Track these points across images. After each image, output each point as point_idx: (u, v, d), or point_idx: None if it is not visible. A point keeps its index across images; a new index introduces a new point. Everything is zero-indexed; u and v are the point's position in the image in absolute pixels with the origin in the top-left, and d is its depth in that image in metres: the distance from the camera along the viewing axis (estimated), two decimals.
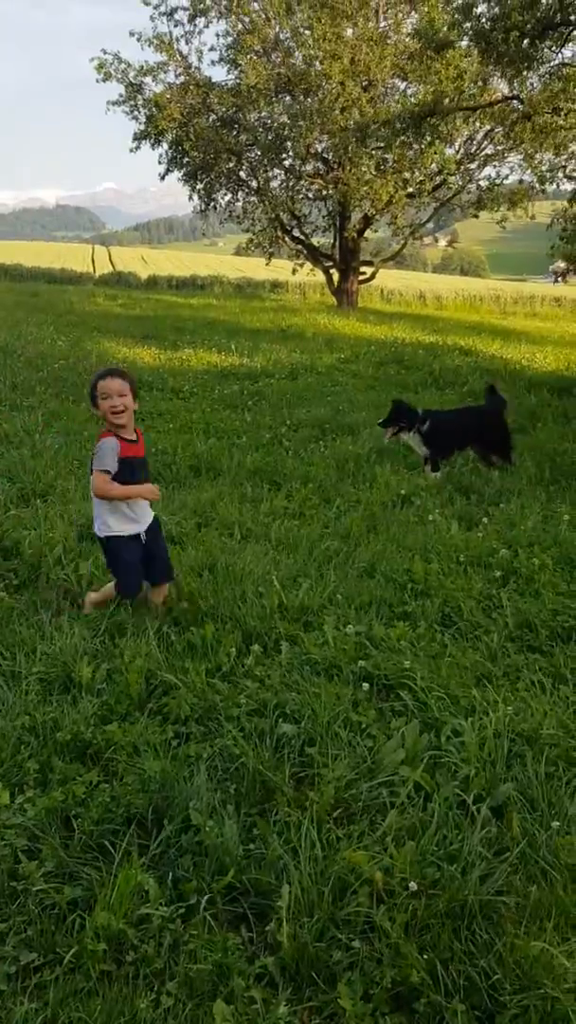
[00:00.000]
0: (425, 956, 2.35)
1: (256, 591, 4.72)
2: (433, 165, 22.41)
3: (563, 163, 13.86)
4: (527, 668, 4.05)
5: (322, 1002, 2.30)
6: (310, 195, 27.57)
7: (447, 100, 15.12)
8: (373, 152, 22.99)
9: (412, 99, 18.14)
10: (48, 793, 3.00)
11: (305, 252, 27.11)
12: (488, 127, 21.66)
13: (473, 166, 25.57)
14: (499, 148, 24.30)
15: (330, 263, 27.11)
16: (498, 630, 4.43)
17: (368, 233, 28.46)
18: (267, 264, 29.25)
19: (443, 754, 3.30)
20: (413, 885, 2.56)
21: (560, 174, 14.01)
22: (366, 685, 3.73)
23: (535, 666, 4.06)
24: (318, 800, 2.96)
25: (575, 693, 3.81)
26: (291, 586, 4.89)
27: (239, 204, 27.78)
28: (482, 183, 25.05)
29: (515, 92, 14.44)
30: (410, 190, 25.07)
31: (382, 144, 18.56)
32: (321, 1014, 2.27)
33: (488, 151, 24.75)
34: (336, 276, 26.95)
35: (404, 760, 3.24)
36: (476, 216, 25.80)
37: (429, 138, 16.30)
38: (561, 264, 17.15)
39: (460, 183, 26.40)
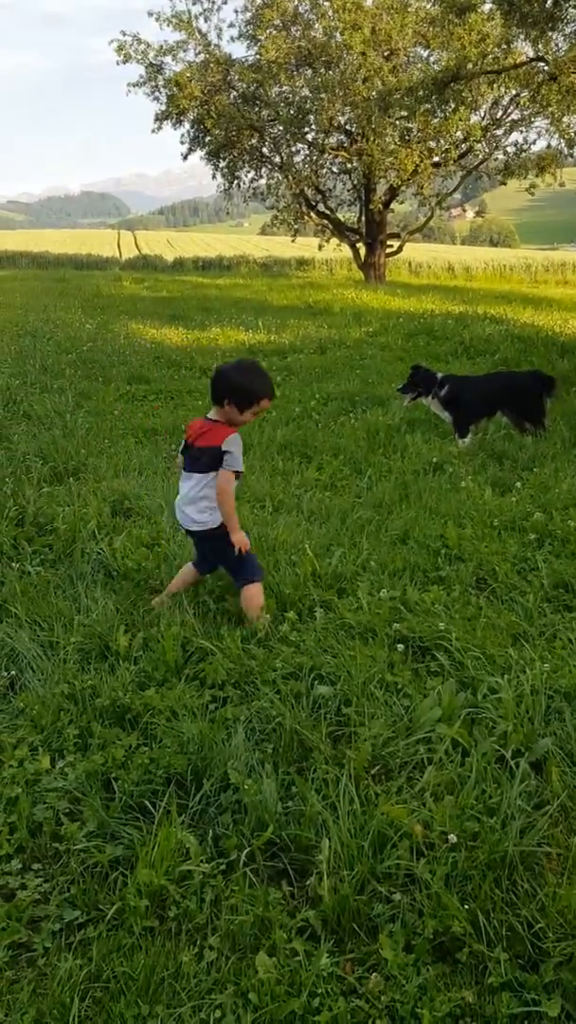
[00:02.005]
0: (466, 906, 2.35)
1: (289, 560, 4.72)
2: (458, 132, 22.09)
3: None
4: (563, 627, 4.01)
5: (364, 953, 2.31)
6: (334, 169, 27.35)
7: (470, 65, 14.86)
8: (397, 122, 22.71)
9: (435, 66, 17.85)
10: (88, 757, 3.04)
11: (331, 227, 26.90)
12: (514, 91, 21.25)
13: (500, 132, 25.17)
14: (525, 113, 23.86)
15: (356, 237, 26.89)
16: (533, 591, 4.39)
17: (394, 205, 28.19)
18: (292, 241, 29.07)
19: (480, 711, 3.28)
20: (453, 837, 2.56)
21: None
22: (401, 647, 3.72)
23: (572, 624, 4.02)
24: (355, 757, 2.96)
25: None
26: (324, 555, 4.89)
27: (263, 181, 27.62)
28: (509, 149, 24.67)
29: (540, 53, 14.14)
30: (436, 159, 24.77)
31: (405, 113, 18.30)
32: (363, 965, 2.28)
33: (515, 116, 24.32)
34: (363, 250, 26.72)
35: (441, 718, 3.23)
36: (504, 183, 25.45)
37: (453, 104, 16.03)
38: None
39: (487, 150, 26.03)
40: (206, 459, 4.01)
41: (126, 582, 4.56)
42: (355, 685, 3.41)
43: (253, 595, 4.07)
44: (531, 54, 14.99)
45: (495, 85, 17.73)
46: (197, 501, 4.08)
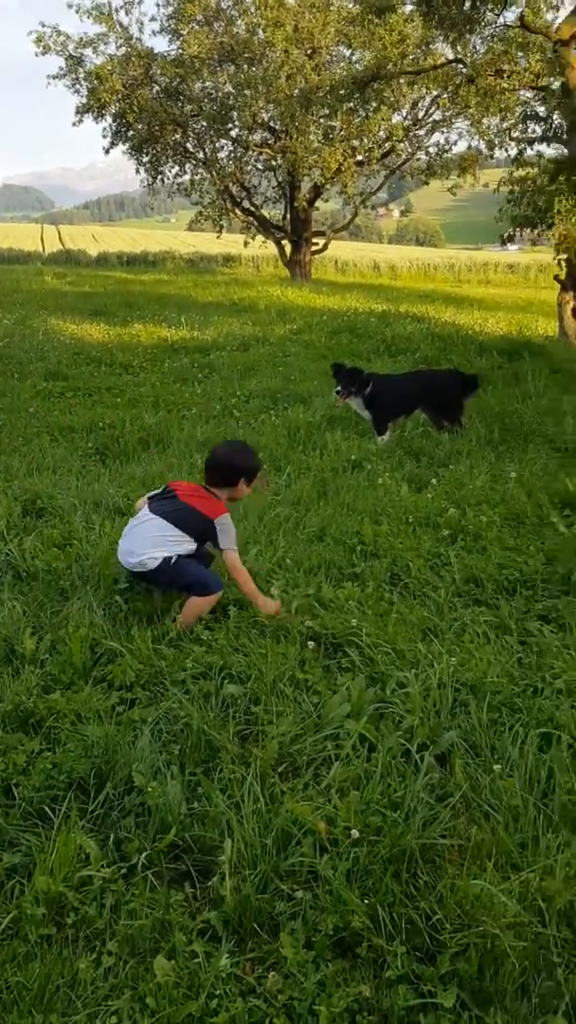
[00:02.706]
0: (366, 901, 2.36)
1: None
2: (381, 132, 22.28)
3: (508, 127, 13.78)
4: (473, 621, 4.07)
5: (265, 952, 2.30)
6: (259, 165, 27.31)
7: (390, 65, 15.00)
8: (320, 120, 22.81)
9: (357, 65, 17.96)
10: None
11: (256, 224, 26.86)
12: (434, 92, 21.52)
13: (422, 133, 25.51)
14: (446, 114, 24.22)
15: (282, 235, 26.91)
16: (445, 586, 4.45)
17: (320, 204, 28.30)
18: (218, 237, 28.96)
19: (388, 706, 3.30)
20: (355, 832, 2.57)
21: (506, 138, 13.93)
22: (312, 644, 3.72)
23: (480, 619, 4.08)
24: (262, 756, 2.95)
25: (519, 643, 3.85)
26: (241, 551, 4.87)
27: (187, 177, 27.42)
28: (431, 150, 25.00)
29: (458, 56, 14.35)
30: (359, 158, 24.94)
31: (328, 111, 18.36)
32: (264, 964, 2.27)
33: (436, 117, 24.67)
34: (288, 248, 26.76)
35: (349, 714, 3.25)
36: (427, 183, 25.77)
37: (374, 104, 16.16)
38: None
39: (410, 150, 26.33)
40: (190, 520, 4.07)
41: (35, 583, 4.47)
42: (265, 683, 3.40)
43: (202, 604, 4.03)
44: (450, 56, 15.19)
45: (415, 86, 17.91)
46: (157, 547, 4.01)
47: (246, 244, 27.96)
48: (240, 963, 2.26)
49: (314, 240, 26.84)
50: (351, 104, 16.34)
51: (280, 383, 9.67)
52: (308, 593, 4.34)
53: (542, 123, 11.71)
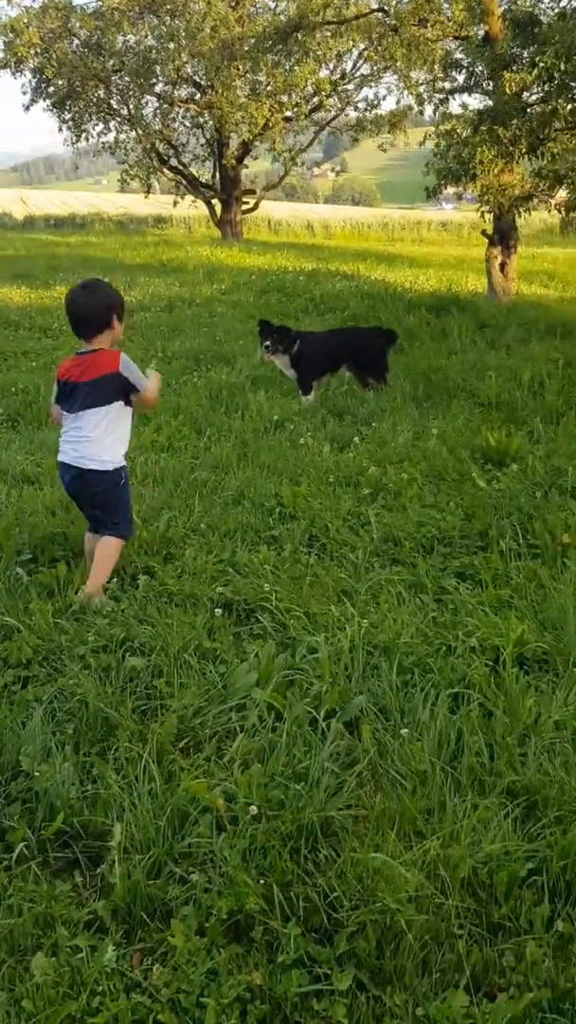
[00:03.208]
0: (262, 881, 2.23)
1: None
2: (308, 87, 21.80)
3: (433, 78, 13.50)
4: (389, 581, 3.95)
5: (156, 942, 2.16)
6: (187, 122, 26.59)
7: (311, 15, 14.57)
8: (247, 75, 22.21)
9: (281, 16, 17.45)
10: None
11: (184, 183, 26.21)
12: (360, 45, 21.07)
13: (351, 88, 25.05)
14: (374, 68, 23.76)
15: (211, 194, 26.31)
16: (363, 546, 4.33)
17: (252, 163, 27.73)
18: (145, 197, 28.15)
19: (298, 673, 3.17)
20: (254, 808, 2.43)
21: (432, 90, 13.65)
22: (219, 611, 3.56)
23: (397, 578, 3.97)
24: (160, 731, 2.80)
25: (434, 601, 3.75)
26: (154, 518, 4.69)
27: (112, 135, 26.56)
28: (360, 105, 24.58)
29: (381, 5, 14.00)
30: (287, 113, 24.43)
31: (251, 64, 17.84)
32: (154, 955, 2.13)
33: (364, 71, 24.23)
34: (219, 207, 26.19)
35: (257, 682, 3.11)
36: (356, 140, 25.36)
37: (297, 55, 15.74)
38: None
39: (339, 106, 25.88)
40: (105, 390, 3.80)
41: None
42: (169, 655, 3.24)
43: (113, 550, 3.88)
44: (373, 5, 14.83)
45: (340, 37, 17.43)
46: (102, 439, 3.84)
47: (175, 204, 27.30)
48: (129, 955, 2.12)
49: (244, 199, 26.30)
50: (274, 56, 15.90)
51: (204, 344, 9.41)
52: (222, 558, 4.19)
53: (463, 71, 11.47)
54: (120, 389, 3.86)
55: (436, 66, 12.93)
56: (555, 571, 4.02)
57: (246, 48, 17.25)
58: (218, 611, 3.56)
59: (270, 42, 14.53)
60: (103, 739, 2.86)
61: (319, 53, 19.18)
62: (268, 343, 7.12)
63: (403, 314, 10.66)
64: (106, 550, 3.87)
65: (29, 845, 2.42)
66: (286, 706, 2.97)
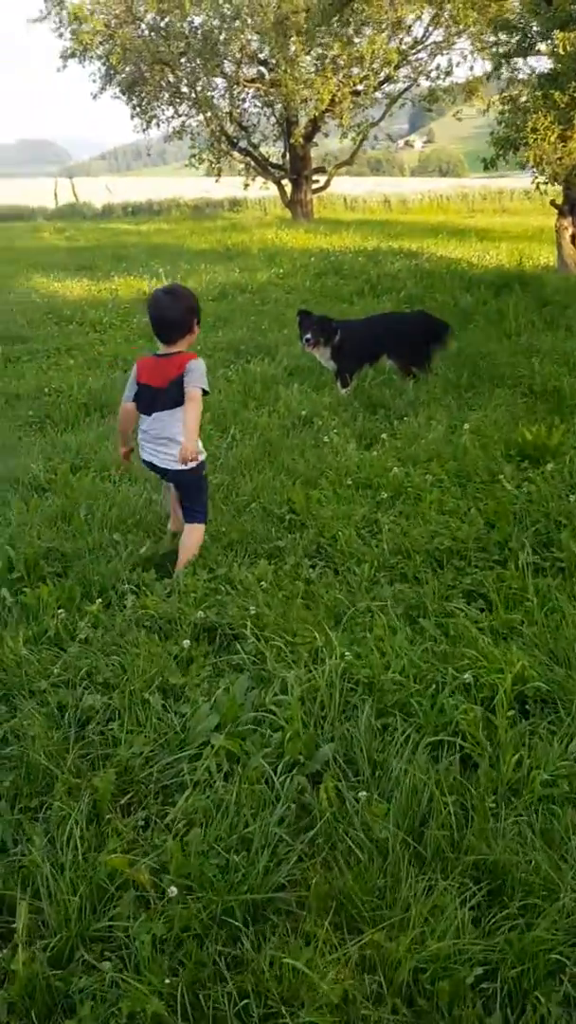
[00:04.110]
0: (167, 981, 1.96)
1: (111, 540, 4.28)
2: (376, 60, 21.07)
3: (495, 42, 12.70)
4: (393, 600, 3.62)
5: None
6: (257, 102, 26.17)
7: None
8: (311, 51, 21.65)
9: None
10: None
11: (254, 164, 25.85)
12: (432, 11, 20.22)
13: (423, 55, 24.17)
14: (448, 34, 22.84)
15: (281, 174, 25.88)
16: (371, 559, 3.99)
17: (326, 140, 27.12)
18: (216, 181, 27.89)
19: (266, 715, 2.88)
20: (173, 889, 2.16)
21: (497, 54, 12.84)
22: (187, 643, 3.28)
23: (401, 598, 3.63)
24: (100, 786, 2.55)
25: (436, 626, 3.39)
26: (158, 527, 4.47)
27: (182, 119, 26.36)
28: (432, 74, 23.72)
29: None
30: (357, 87, 23.76)
31: (305, 38, 17.30)
32: None
33: (436, 38, 23.32)
34: (289, 187, 25.76)
35: (219, 726, 2.83)
36: (429, 111, 24.52)
37: (355, 24, 15.13)
38: None
39: (412, 76, 25.05)
40: (177, 392, 3.93)
41: None
42: (125, 693, 2.99)
43: (198, 535, 4.11)
44: None
45: (409, 3, 16.65)
46: (175, 439, 3.95)
47: (246, 187, 26.93)
48: None
49: (314, 178, 25.77)
50: (331, 28, 15.33)
51: (248, 334, 9.11)
52: (217, 574, 3.92)
53: (516, 32, 10.72)
54: (178, 389, 3.94)
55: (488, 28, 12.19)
56: None
57: (302, 22, 16.69)
58: (186, 642, 3.28)
59: (324, 14, 13.98)
60: (44, 792, 2.64)
61: (380, 21, 18.42)
62: (308, 335, 6.79)
63: (460, 294, 10.13)
64: (193, 537, 4.09)
65: None
66: (246, 756, 2.69)
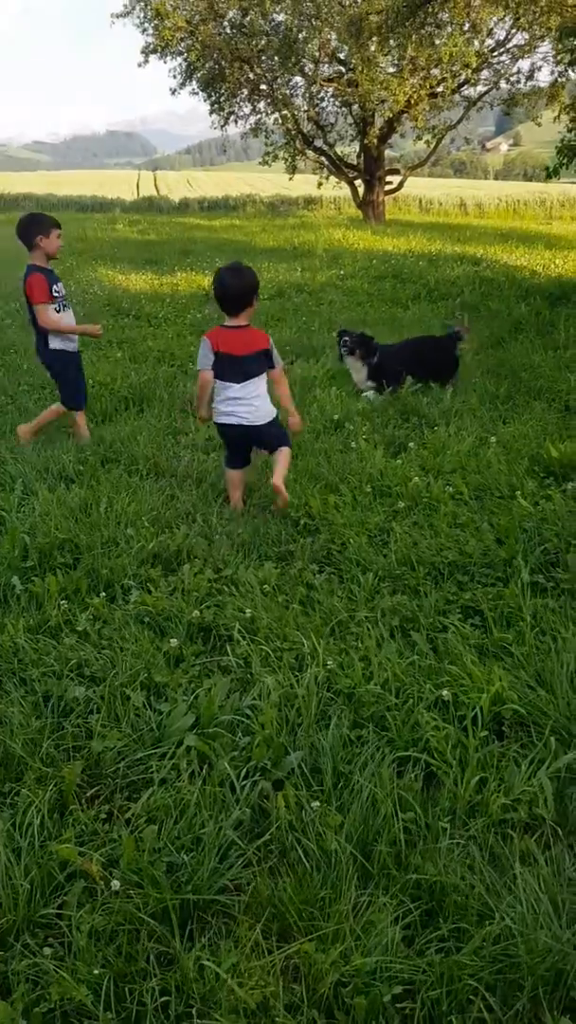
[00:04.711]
0: (96, 972, 2.02)
1: (124, 535, 4.36)
2: (455, 63, 20.86)
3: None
4: (390, 612, 3.62)
5: None
6: (336, 102, 26.15)
7: None
8: (393, 51, 21.53)
9: None
10: None
11: (328, 164, 25.84)
12: (499, 15, 19.93)
13: (504, 59, 23.88)
14: (532, 37, 22.50)
15: (355, 174, 25.83)
16: (376, 569, 3.99)
17: (408, 142, 26.97)
18: (290, 179, 28.00)
19: (242, 719, 2.92)
20: (116, 883, 2.22)
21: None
22: (174, 641, 3.34)
23: (398, 610, 3.63)
24: (67, 777, 2.62)
25: (425, 641, 3.38)
26: (176, 523, 4.54)
27: (260, 116, 26.50)
28: (512, 78, 23.39)
29: None
30: (436, 89, 23.58)
31: (376, 38, 17.21)
32: None
33: (518, 41, 23.00)
34: (361, 188, 25.69)
35: (194, 726, 2.88)
36: (507, 114, 24.20)
37: (430, 27, 15.02)
38: None
39: (492, 79, 24.76)
40: (261, 362, 4.66)
41: None
42: (111, 687, 3.07)
43: (289, 452, 4.79)
44: None
45: (472, 4, 16.44)
46: (263, 396, 4.72)
47: (319, 185, 27.00)
48: None
49: (388, 179, 25.66)
50: (407, 29, 15.23)
51: (297, 334, 9.16)
52: (222, 575, 3.97)
53: None
54: (267, 362, 4.69)
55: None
56: None
57: (373, 19, 16.60)
58: (174, 641, 3.33)
59: (399, 15, 13.90)
60: (16, 779, 2.72)
61: (455, 24, 18.21)
62: (347, 340, 6.91)
63: (515, 303, 10.00)
64: (286, 454, 4.77)
65: None
66: (213, 758, 2.73)
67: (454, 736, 2.78)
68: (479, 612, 3.61)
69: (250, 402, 4.68)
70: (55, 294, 5.86)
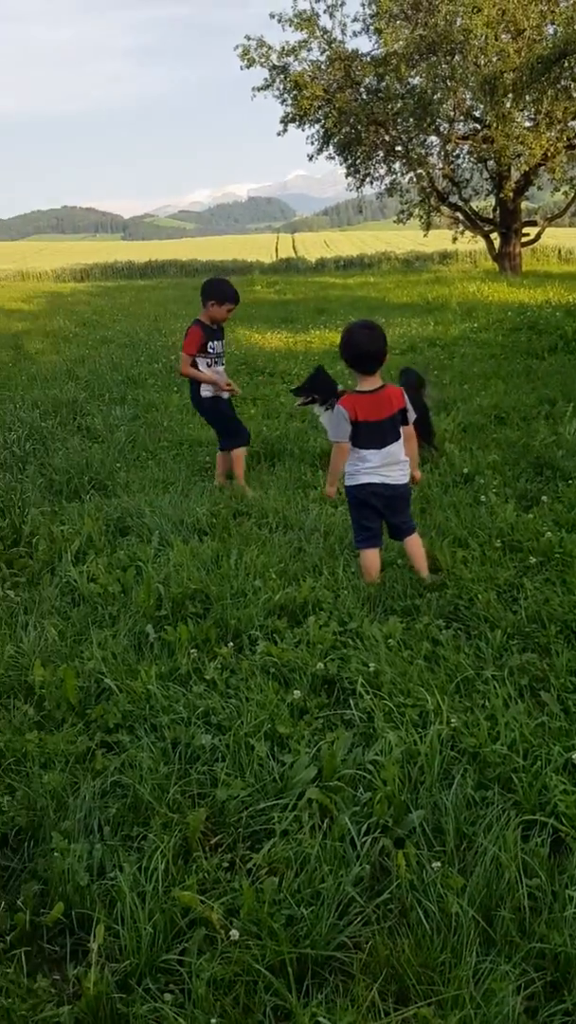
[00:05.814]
0: (215, 1020, 2.04)
1: (252, 587, 4.46)
2: None
3: None
4: (519, 670, 3.54)
5: None
6: (472, 158, 26.36)
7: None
8: (527, 106, 21.60)
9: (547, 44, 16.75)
10: None
11: (462, 219, 25.98)
12: None
13: None
14: None
15: (490, 228, 25.84)
16: (505, 626, 3.92)
17: (539, 193, 26.87)
18: (425, 235, 28.30)
19: (364, 774, 2.91)
20: (235, 933, 2.24)
21: None
22: (297, 692, 3.37)
23: (528, 668, 3.54)
24: (191, 823, 2.68)
25: (555, 700, 3.28)
26: (300, 579, 4.60)
27: (395, 177, 27.00)
28: None
29: None
30: (574, 140, 23.39)
31: (510, 94, 17.29)
32: None
33: None
34: (497, 240, 25.65)
35: (316, 779, 2.89)
36: None
37: (564, 81, 14.99)
38: None
39: None
40: (398, 423, 4.46)
41: (84, 607, 4.44)
42: (237, 737, 3.12)
43: (420, 543, 4.67)
44: None
45: None
46: (406, 461, 4.55)
47: (454, 240, 27.16)
48: None
49: (524, 231, 25.53)
50: (541, 84, 15.27)
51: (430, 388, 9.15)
52: (347, 628, 3.99)
53: None
54: (403, 419, 4.47)
55: None
56: None
57: (509, 76, 16.72)
58: (297, 692, 3.37)
59: (533, 73, 13.97)
60: (144, 823, 2.80)
61: None
62: (294, 388, 6.61)
63: None
64: (420, 543, 4.64)
65: (26, 932, 2.40)
66: (336, 812, 2.73)
67: None
68: None
69: (396, 464, 4.48)
70: (209, 350, 6.29)
